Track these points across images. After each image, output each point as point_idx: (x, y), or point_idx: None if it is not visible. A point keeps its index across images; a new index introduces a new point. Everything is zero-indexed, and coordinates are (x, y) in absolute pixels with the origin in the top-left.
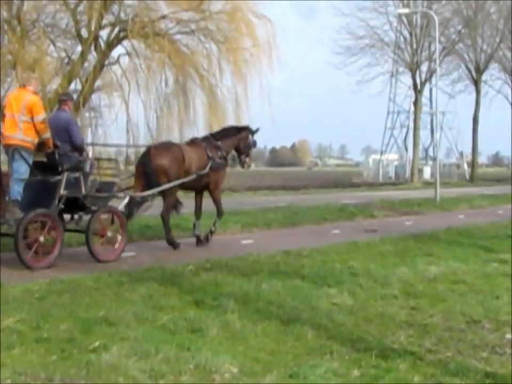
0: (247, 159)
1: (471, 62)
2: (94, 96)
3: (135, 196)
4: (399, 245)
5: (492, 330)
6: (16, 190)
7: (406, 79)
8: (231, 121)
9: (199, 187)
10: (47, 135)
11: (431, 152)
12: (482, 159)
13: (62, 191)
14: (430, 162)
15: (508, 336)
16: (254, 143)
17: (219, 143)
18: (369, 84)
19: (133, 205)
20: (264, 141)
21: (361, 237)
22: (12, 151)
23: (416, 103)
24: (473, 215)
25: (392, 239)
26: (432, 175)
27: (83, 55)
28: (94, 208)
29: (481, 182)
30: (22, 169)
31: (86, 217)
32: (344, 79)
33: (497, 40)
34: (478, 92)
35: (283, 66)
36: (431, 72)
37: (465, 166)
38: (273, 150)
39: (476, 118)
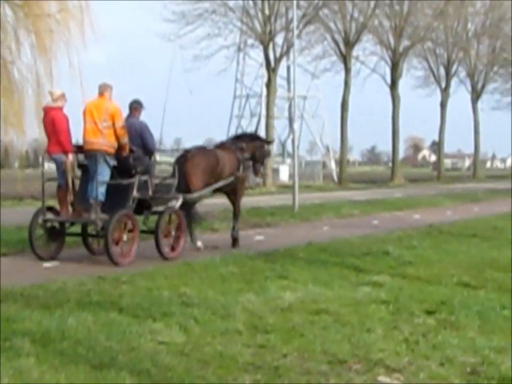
0: (262, 168)
1: (339, 32)
2: None
3: (188, 197)
4: (246, 266)
5: (361, 372)
6: (100, 192)
7: (257, 54)
8: (31, 107)
9: (230, 188)
10: (125, 140)
11: (289, 147)
12: (354, 155)
13: (135, 193)
14: (288, 160)
15: (381, 378)
16: (269, 153)
17: (243, 144)
18: (210, 60)
19: (191, 208)
20: (74, 135)
21: (198, 256)
22: (99, 156)
23: (269, 84)
24: (341, 227)
25: (236, 259)
26: (291, 176)
27: None
28: (155, 208)
29: (352, 184)
30: (106, 173)
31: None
32: (178, 54)
33: (372, 5)
34: (347, 70)
35: (101, 37)
36: (288, 46)
37: (333, 165)
38: None
39: (345, 104)
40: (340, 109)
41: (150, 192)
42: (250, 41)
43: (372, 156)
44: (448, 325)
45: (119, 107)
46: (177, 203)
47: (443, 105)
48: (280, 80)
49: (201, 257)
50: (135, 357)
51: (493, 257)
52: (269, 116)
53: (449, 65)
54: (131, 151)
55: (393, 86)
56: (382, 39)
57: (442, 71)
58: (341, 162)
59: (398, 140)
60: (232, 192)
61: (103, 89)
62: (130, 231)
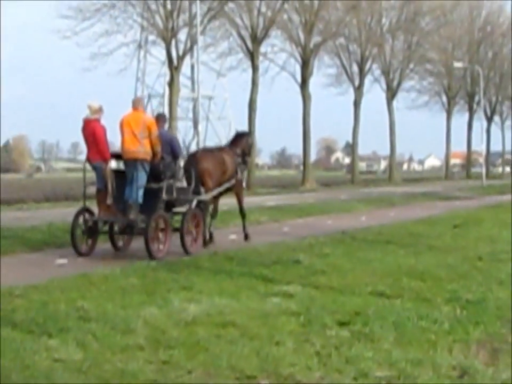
0: (249, 159)
1: (246, 28)
2: None
3: (201, 198)
4: (148, 277)
5: None
6: (139, 195)
7: (159, 51)
8: None
9: (233, 191)
10: (159, 148)
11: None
12: (264, 158)
13: (164, 196)
14: None
15: None
16: (253, 143)
17: (238, 149)
18: (108, 58)
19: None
20: None
21: (97, 268)
22: (138, 163)
23: (172, 84)
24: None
25: (137, 270)
26: None
27: None
28: (177, 209)
29: (261, 189)
30: (143, 178)
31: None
32: (75, 52)
33: None
34: (255, 68)
35: None
36: (191, 42)
37: None
38: None
39: (253, 104)
40: (247, 109)
41: (175, 195)
42: (151, 38)
43: (282, 159)
44: (363, 337)
45: (154, 119)
46: (193, 204)
47: (356, 104)
48: (183, 79)
49: (101, 268)
50: (30, 375)
51: (409, 264)
52: (172, 117)
53: (363, 62)
54: (162, 158)
55: (304, 84)
56: (291, 35)
57: (355, 69)
58: (249, 166)
59: (309, 142)
60: (236, 195)
61: (136, 104)
62: (163, 229)
